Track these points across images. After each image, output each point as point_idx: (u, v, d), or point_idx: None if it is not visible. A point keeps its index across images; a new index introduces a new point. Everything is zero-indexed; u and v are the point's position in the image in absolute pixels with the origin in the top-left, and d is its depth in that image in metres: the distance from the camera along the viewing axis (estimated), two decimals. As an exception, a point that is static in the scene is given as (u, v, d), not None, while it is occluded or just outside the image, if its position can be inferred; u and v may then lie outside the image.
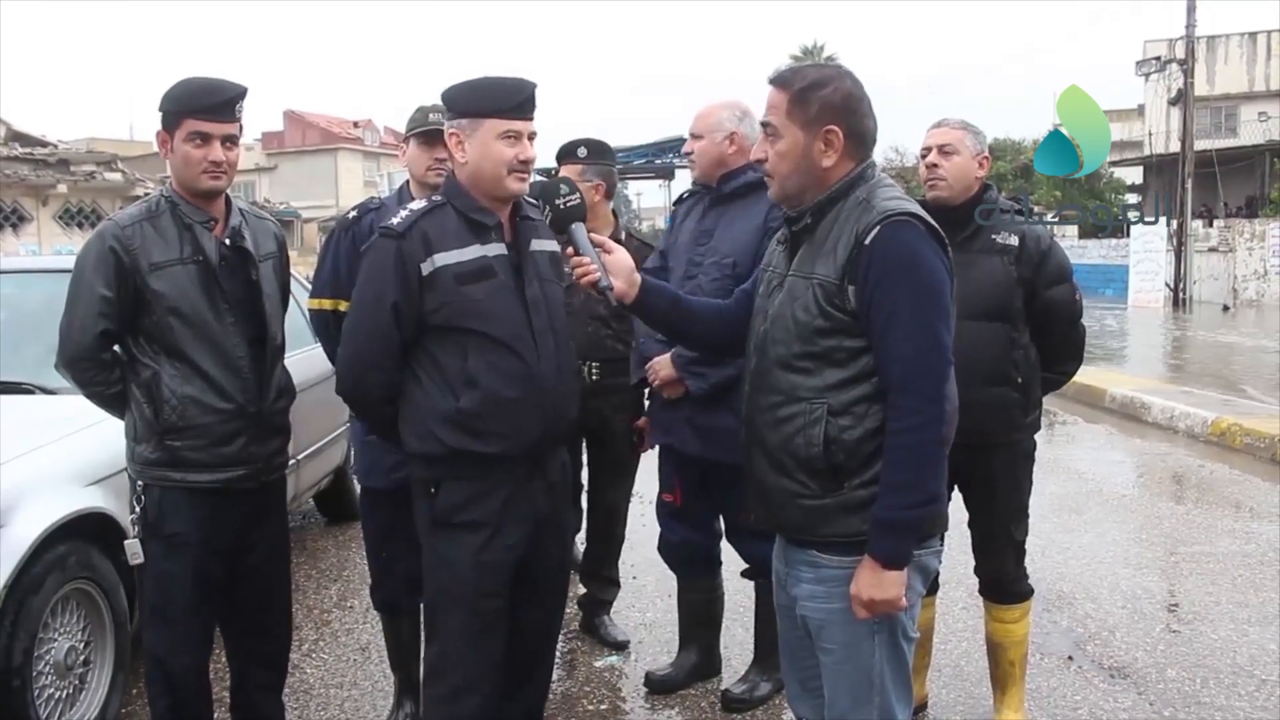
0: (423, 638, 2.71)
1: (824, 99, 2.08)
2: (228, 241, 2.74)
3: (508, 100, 2.48)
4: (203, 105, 2.63)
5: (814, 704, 2.29)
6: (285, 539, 3.06)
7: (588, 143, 3.90)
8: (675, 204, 3.70)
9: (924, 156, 3.11)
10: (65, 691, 3.11)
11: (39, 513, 2.98)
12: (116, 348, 2.71)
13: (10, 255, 16.87)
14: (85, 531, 3.13)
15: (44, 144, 24.24)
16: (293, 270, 3.05)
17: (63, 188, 22.65)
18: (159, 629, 2.74)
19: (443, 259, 2.47)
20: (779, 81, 2.14)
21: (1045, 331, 3.11)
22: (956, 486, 3.18)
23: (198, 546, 2.69)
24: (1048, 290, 3.05)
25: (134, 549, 2.70)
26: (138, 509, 2.70)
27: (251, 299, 2.77)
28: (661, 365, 3.32)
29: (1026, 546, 3.26)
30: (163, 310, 2.64)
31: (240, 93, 2.69)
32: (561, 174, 3.83)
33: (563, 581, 2.84)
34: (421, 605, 2.72)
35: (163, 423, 2.65)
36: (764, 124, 2.16)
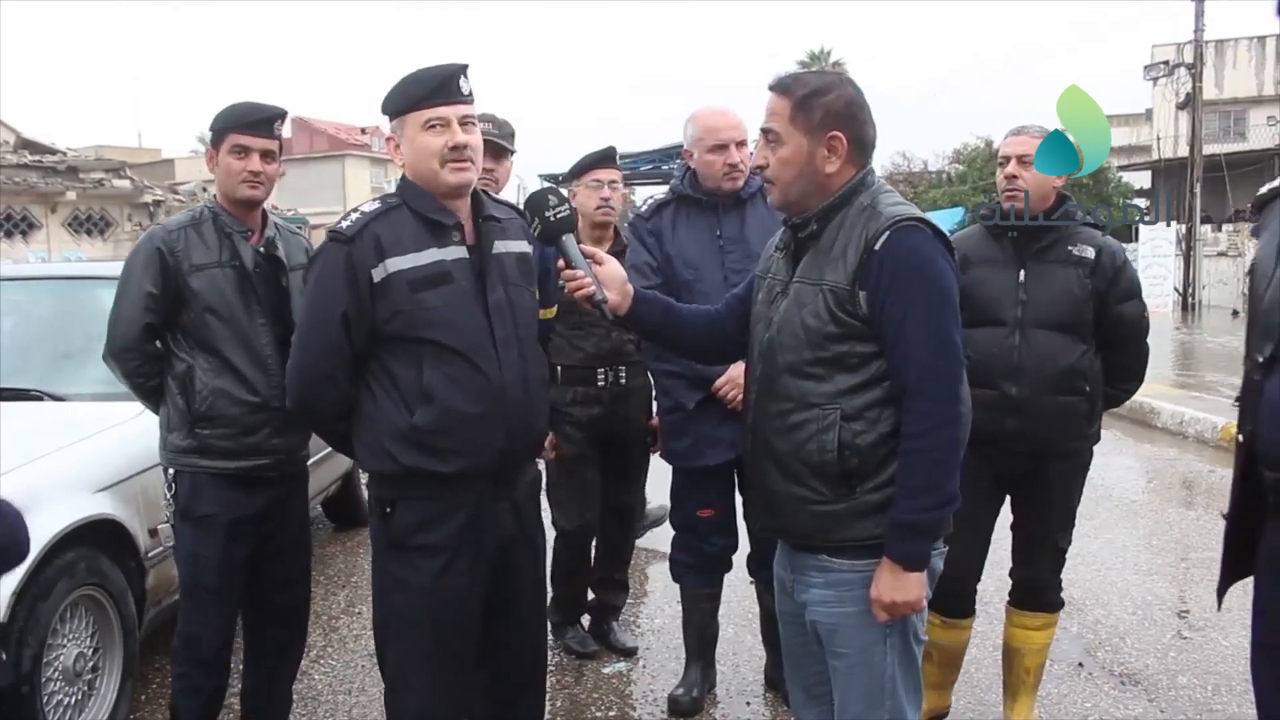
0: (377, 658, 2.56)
1: (827, 105, 2.09)
2: (262, 250, 2.96)
3: (424, 87, 2.34)
4: (244, 122, 2.90)
5: (820, 710, 2.28)
6: (306, 532, 3.18)
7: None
8: (648, 217, 3.50)
9: (1003, 165, 3.08)
10: (74, 698, 3.12)
11: (48, 519, 2.98)
12: (158, 343, 2.92)
13: (20, 262, 16.95)
14: (94, 538, 3.13)
15: (53, 151, 24.38)
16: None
17: (71, 195, 22.79)
18: (189, 608, 2.94)
19: (395, 264, 2.30)
20: (780, 88, 2.13)
21: (1112, 346, 3.08)
22: (1008, 493, 3.17)
23: (224, 529, 2.87)
24: (1119, 305, 3.04)
25: (166, 532, 2.95)
26: (169, 495, 2.93)
27: (281, 303, 2.97)
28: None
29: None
30: (200, 308, 2.87)
31: (278, 113, 2.95)
32: (597, 177, 3.80)
33: (541, 603, 2.71)
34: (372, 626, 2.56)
35: (194, 412, 2.86)
36: (765, 130, 2.15)
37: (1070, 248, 3.03)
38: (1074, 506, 3.19)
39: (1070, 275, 3.01)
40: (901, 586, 2.02)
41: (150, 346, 2.91)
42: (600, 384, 3.84)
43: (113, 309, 2.92)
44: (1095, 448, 3.17)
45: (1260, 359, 1.87)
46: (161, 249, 2.87)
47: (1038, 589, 3.23)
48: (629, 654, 4.09)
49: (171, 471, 2.91)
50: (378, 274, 2.31)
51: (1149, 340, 3.18)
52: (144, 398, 3.00)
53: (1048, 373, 2.97)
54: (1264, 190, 2.06)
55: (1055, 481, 3.11)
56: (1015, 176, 3.03)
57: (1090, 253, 3.02)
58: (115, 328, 2.91)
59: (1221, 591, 2.17)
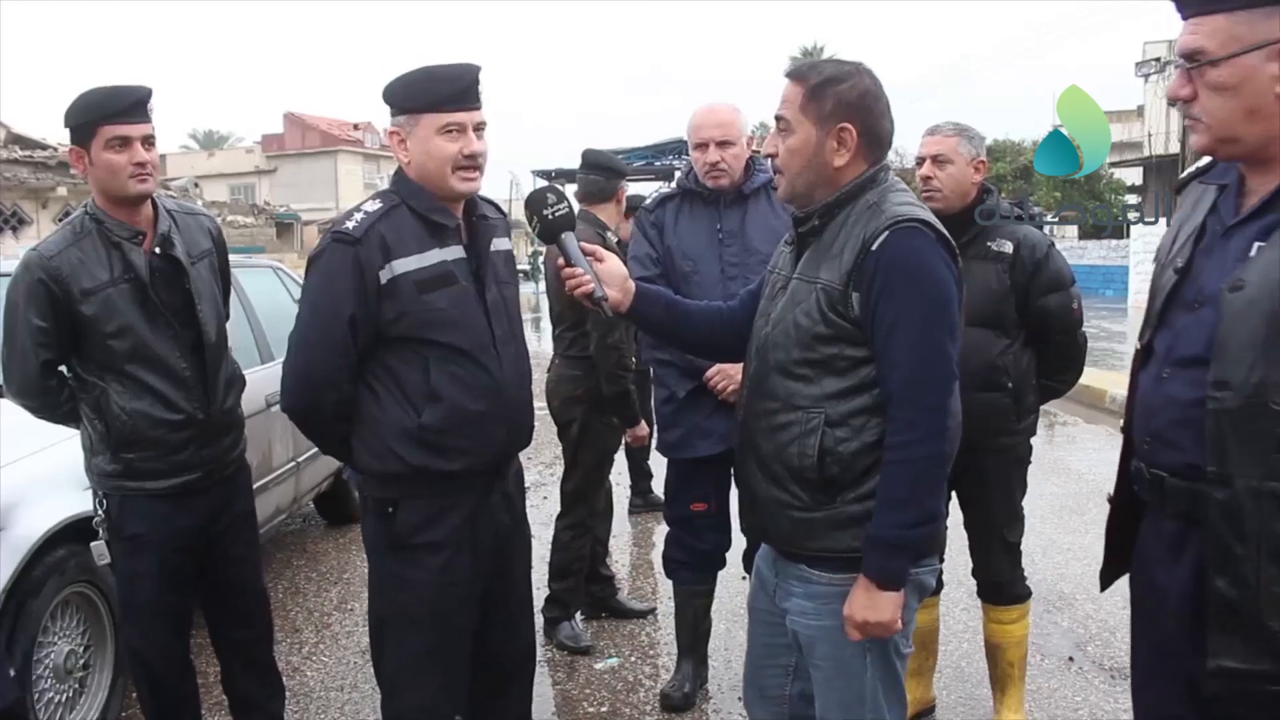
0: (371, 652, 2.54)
1: (840, 95, 2.00)
2: (158, 251, 2.71)
3: (444, 90, 2.28)
4: (116, 109, 2.60)
5: (772, 711, 2.23)
6: (251, 527, 3.05)
7: None
8: (652, 209, 3.53)
9: (919, 166, 3.07)
10: (65, 695, 3.12)
11: (39, 516, 2.98)
12: (63, 368, 2.72)
13: (10, 259, 16.84)
14: (85, 535, 3.12)
15: (44, 146, 24.24)
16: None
17: (62, 190, 22.66)
18: (131, 623, 2.83)
19: (402, 265, 2.28)
20: (795, 75, 2.05)
21: (1041, 339, 3.09)
22: (953, 490, 3.19)
23: (158, 546, 2.74)
24: (1041, 298, 3.03)
25: (100, 550, 2.80)
26: (101, 513, 2.75)
27: (187, 307, 2.75)
28: (738, 370, 3.28)
29: (1027, 548, 3.27)
30: (99, 334, 2.63)
31: (147, 92, 2.66)
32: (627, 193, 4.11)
33: (529, 594, 2.71)
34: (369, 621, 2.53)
35: (115, 437, 2.68)
36: (777, 118, 2.06)
37: (989, 243, 3.02)
38: (1016, 500, 3.20)
39: (989, 271, 3.00)
40: (875, 606, 1.91)
41: (51, 381, 2.70)
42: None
43: (4, 345, 2.69)
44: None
45: (1138, 346, 1.78)
46: (44, 279, 2.59)
47: (999, 584, 3.24)
48: (649, 613, 4.41)
49: (100, 492, 2.75)
50: (385, 275, 2.27)
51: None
52: (60, 422, 2.81)
53: (968, 369, 2.93)
54: (1183, 174, 1.94)
55: (991, 477, 3.13)
56: (930, 178, 3.02)
57: (1009, 247, 3.01)
58: (10, 367, 2.68)
59: (1104, 578, 1.97)
